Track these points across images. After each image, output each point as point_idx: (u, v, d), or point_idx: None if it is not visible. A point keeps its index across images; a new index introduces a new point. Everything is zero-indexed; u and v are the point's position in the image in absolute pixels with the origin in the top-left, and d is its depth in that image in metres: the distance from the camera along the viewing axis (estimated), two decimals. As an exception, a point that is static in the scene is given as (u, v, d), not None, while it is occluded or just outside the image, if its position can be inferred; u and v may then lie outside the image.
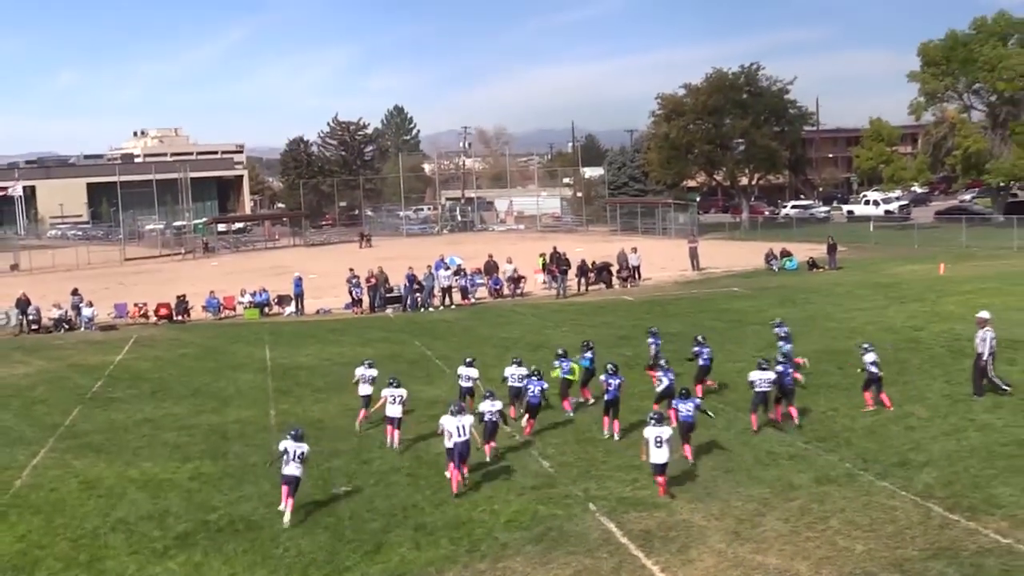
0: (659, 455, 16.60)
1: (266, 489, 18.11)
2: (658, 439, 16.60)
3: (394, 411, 20.38)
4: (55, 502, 18.04)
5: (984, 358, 22.09)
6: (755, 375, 20.57)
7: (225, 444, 21.55)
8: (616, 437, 20.33)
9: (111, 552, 15.58)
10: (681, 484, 17.22)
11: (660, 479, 16.81)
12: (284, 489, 16.87)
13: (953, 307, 34.26)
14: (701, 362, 23.81)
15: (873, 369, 21.40)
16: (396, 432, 20.48)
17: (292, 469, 16.86)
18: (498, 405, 19.34)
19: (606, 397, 20.71)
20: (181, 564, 15.02)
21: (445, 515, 16.40)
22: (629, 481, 17.54)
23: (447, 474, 17.89)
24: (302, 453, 17.01)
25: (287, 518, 16.52)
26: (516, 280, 45.31)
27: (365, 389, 22.29)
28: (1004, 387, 22.04)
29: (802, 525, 15.19)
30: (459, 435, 17.47)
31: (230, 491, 18.20)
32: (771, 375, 20.50)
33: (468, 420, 17.91)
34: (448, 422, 17.67)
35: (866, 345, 22.00)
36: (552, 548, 14.89)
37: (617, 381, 20.67)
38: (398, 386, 20.68)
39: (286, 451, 16.95)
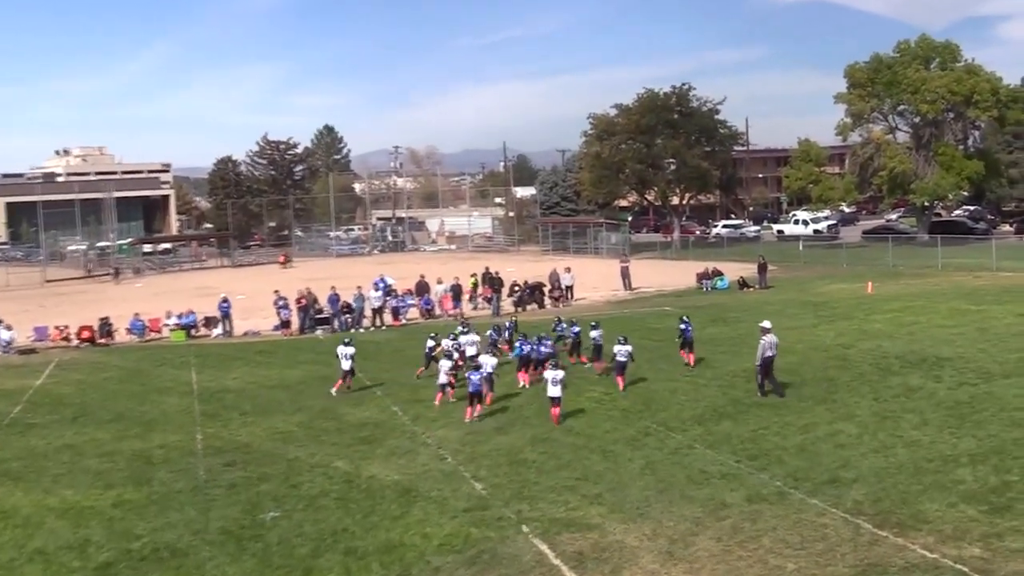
0: (554, 391, 22.88)
1: (191, 515, 17.82)
2: (554, 379, 22.94)
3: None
4: (-30, 532, 17.54)
5: (759, 360, 24.66)
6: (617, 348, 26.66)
7: (150, 470, 21.15)
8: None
9: (29, 583, 15.19)
10: (614, 504, 17.28)
11: (554, 410, 22.92)
12: (342, 377, 27.39)
13: (881, 325, 34.88)
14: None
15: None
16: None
17: (345, 364, 27.23)
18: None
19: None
20: (103, 594, 14.68)
21: (376, 539, 16.26)
22: (561, 502, 17.55)
23: (436, 402, 25.34)
24: (350, 353, 27.23)
25: (333, 392, 27.35)
26: (457, 293, 45.17)
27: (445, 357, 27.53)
28: (773, 391, 24.47)
29: (734, 544, 15.29)
30: (485, 368, 24.57)
31: (154, 518, 17.85)
32: (628, 348, 26.48)
33: (493, 360, 25.94)
34: (483, 359, 25.51)
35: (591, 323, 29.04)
36: (485, 571, 14.82)
37: (628, 348, 26.55)
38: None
39: (339, 354, 27.28)
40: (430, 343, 29.43)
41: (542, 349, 27.60)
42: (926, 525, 15.60)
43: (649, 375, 27.88)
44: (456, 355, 27.64)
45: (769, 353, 24.59)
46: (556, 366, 23.95)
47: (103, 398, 29.39)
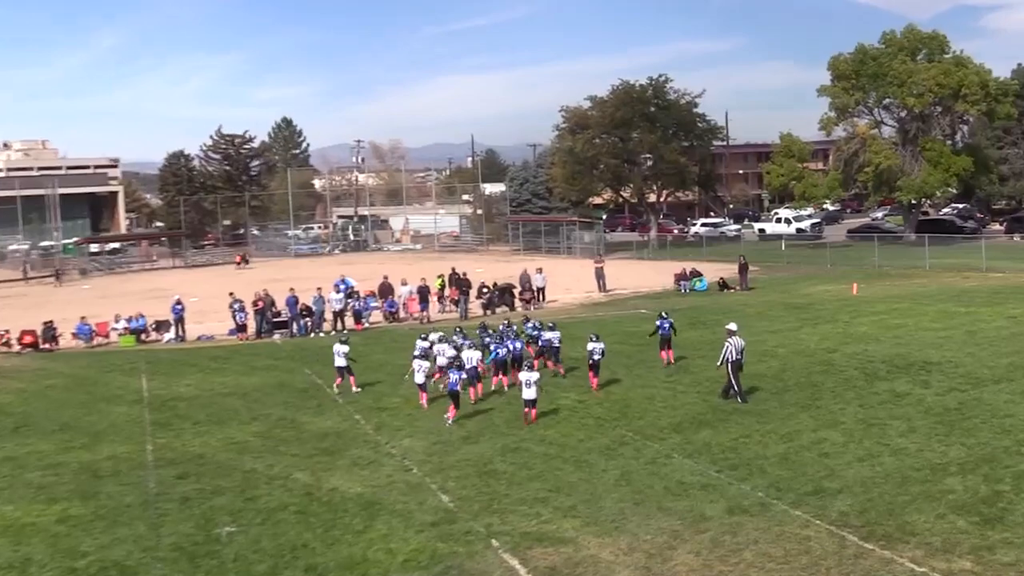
0: (529, 392, 23.74)
1: (141, 531, 17.68)
2: (528, 381, 23.82)
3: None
4: (-96, 551, 17.32)
5: (723, 363, 25.21)
6: (590, 346, 27.13)
7: (97, 483, 20.97)
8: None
9: (-33, 605, 15.03)
10: (588, 517, 17.30)
11: (526, 410, 23.82)
12: (337, 375, 28.66)
13: (867, 328, 35.11)
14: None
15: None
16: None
17: (339, 361, 28.39)
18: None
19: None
20: (46, 616, 14.54)
21: (338, 555, 16.19)
22: (533, 515, 17.54)
23: (423, 403, 26.15)
24: (345, 351, 28.34)
25: (335, 390, 28.40)
26: (423, 295, 45.10)
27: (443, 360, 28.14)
28: (733, 396, 24.96)
29: (714, 558, 15.33)
30: (468, 363, 26.24)
31: (102, 534, 17.69)
32: (601, 345, 27.21)
33: (476, 355, 26.98)
34: (465, 353, 26.76)
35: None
36: (452, 588, 14.80)
37: (601, 346, 27.27)
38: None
39: (335, 352, 28.63)
40: (423, 344, 29.40)
41: (516, 345, 28.43)
42: (914, 537, 15.69)
43: (625, 381, 27.96)
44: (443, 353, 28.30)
45: (735, 356, 25.08)
46: (531, 367, 24.89)
47: (47, 407, 29.11)
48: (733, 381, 25.09)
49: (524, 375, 24.46)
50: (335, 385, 28.75)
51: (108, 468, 22.08)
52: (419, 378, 26.36)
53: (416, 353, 28.38)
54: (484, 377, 27.37)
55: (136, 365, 35.65)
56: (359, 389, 28.50)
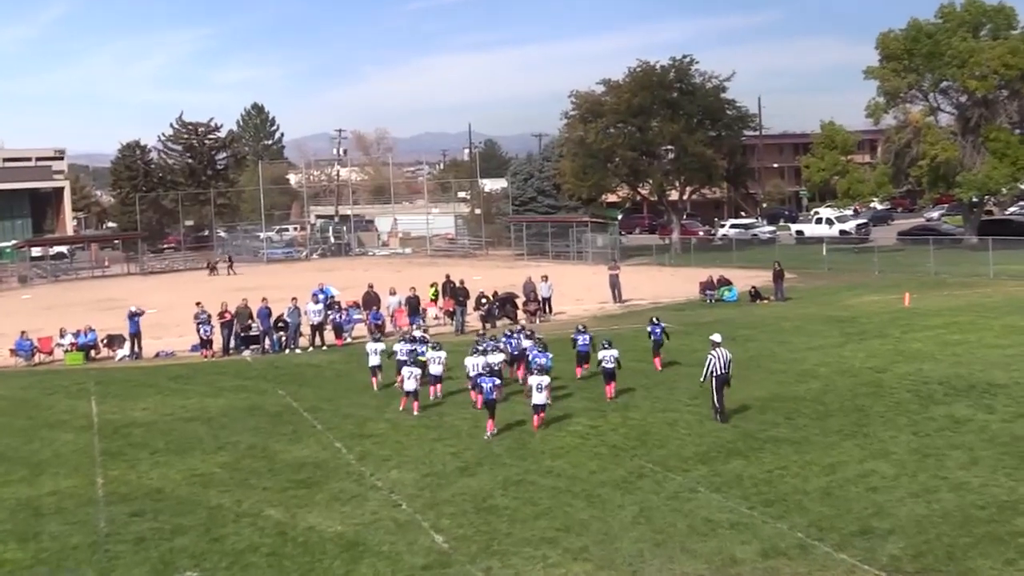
0: (539, 397, 25.61)
1: (90, 577, 17.65)
2: (539, 385, 25.62)
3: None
4: None
5: (707, 378, 25.98)
6: (602, 353, 28.91)
7: (38, 522, 20.96)
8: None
9: None
10: (602, 560, 17.26)
11: (536, 416, 25.72)
12: (372, 376, 31.34)
13: (921, 344, 35.07)
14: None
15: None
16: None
17: (374, 360, 31.13)
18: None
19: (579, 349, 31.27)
20: (-20, 673, 14.52)
21: (314, 604, 16.16)
22: (539, 557, 17.51)
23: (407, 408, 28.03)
24: (380, 349, 31.33)
25: (375, 389, 31.11)
26: (413, 307, 45.13)
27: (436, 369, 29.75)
28: (722, 417, 25.69)
29: (747, 608, 15.30)
30: (472, 370, 28.10)
31: (44, 581, 17.68)
32: (614, 352, 28.73)
33: (500, 357, 29.15)
34: (469, 360, 28.55)
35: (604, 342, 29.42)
36: (446, 642, 14.77)
37: (587, 337, 31.30)
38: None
39: (368, 351, 31.51)
40: (407, 347, 30.40)
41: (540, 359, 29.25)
42: (977, 585, 15.65)
43: (644, 404, 27.93)
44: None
45: (721, 371, 25.71)
46: (540, 372, 26.49)
47: (-18, 434, 29.13)
48: (715, 398, 25.87)
49: (534, 379, 26.01)
50: (374, 386, 31.29)
51: (51, 505, 22.07)
52: (410, 385, 27.93)
53: (401, 358, 29.90)
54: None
55: (85, 386, 35.66)
56: (376, 389, 31.28)
